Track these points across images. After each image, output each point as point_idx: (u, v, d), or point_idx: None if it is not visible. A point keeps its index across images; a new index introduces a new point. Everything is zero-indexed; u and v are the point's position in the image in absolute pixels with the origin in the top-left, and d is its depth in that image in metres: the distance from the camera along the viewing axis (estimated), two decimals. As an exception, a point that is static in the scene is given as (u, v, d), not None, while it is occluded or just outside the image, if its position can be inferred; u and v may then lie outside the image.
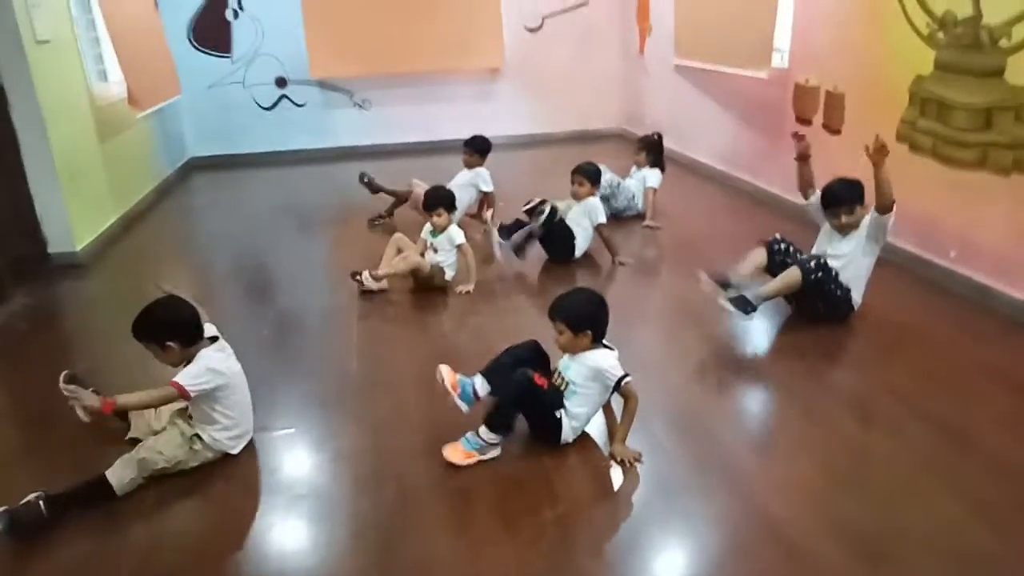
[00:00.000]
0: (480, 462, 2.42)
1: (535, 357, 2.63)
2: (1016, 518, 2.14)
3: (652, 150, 5.31)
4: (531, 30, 8.01)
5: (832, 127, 4.65)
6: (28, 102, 4.34)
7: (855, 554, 2.01)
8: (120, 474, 2.31)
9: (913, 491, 2.27)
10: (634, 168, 5.35)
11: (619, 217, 5.14)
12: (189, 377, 2.38)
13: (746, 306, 3.19)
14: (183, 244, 5.49)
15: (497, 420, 2.43)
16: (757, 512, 2.19)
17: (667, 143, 6.22)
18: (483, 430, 2.43)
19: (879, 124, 4.12)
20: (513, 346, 2.67)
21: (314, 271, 4.66)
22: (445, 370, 2.54)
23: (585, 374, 2.48)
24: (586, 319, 2.48)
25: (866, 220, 3.30)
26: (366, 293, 3.94)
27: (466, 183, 5.04)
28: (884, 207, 3.19)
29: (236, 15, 7.46)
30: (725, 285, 3.34)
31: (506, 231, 4.31)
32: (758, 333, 3.41)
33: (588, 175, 4.43)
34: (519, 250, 4.27)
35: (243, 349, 2.68)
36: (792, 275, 3.28)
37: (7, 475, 2.51)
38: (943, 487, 2.28)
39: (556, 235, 4.30)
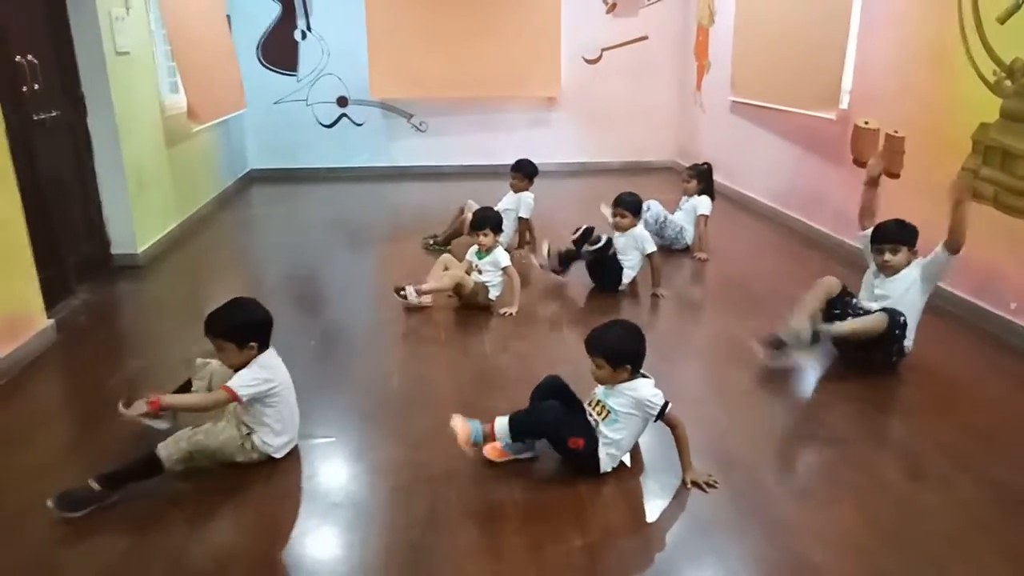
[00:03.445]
0: (517, 479, 2.45)
1: (558, 392, 2.63)
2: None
3: (702, 178, 5.30)
4: (589, 61, 8.10)
5: (891, 171, 4.57)
6: (105, 110, 4.56)
7: (894, 609, 1.95)
8: (171, 449, 2.37)
9: (960, 551, 2.19)
10: (684, 198, 5.33)
11: (667, 250, 5.13)
12: (241, 381, 2.46)
13: (813, 337, 3.16)
14: (239, 253, 5.65)
15: (516, 436, 2.51)
16: (794, 558, 2.14)
17: (720, 178, 6.19)
18: None
19: (939, 170, 4.06)
20: (537, 390, 2.67)
21: (362, 286, 4.75)
22: (458, 426, 2.49)
23: (625, 403, 2.48)
24: (627, 354, 2.48)
25: (916, 265, 3.24)
26: (410, 309, 3.99)
27: (509, 207, 5.08)
28: (955, 247, 3.14)
29: (304, 35, 7.72)
30: (779, 344, 3.32)
31: (556, 259, 4.33)
32: (806, 376, 3.35)
33: (630, 207, 4.40)
34: (562, 263, 4.30)
35: (290, 358, 2.73)
36: (877, 320, 3.17)
37: (57, 466, 2.60)
38: (992, 549, 2.19)
39: (606, 266, 4.30)
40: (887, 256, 3.26)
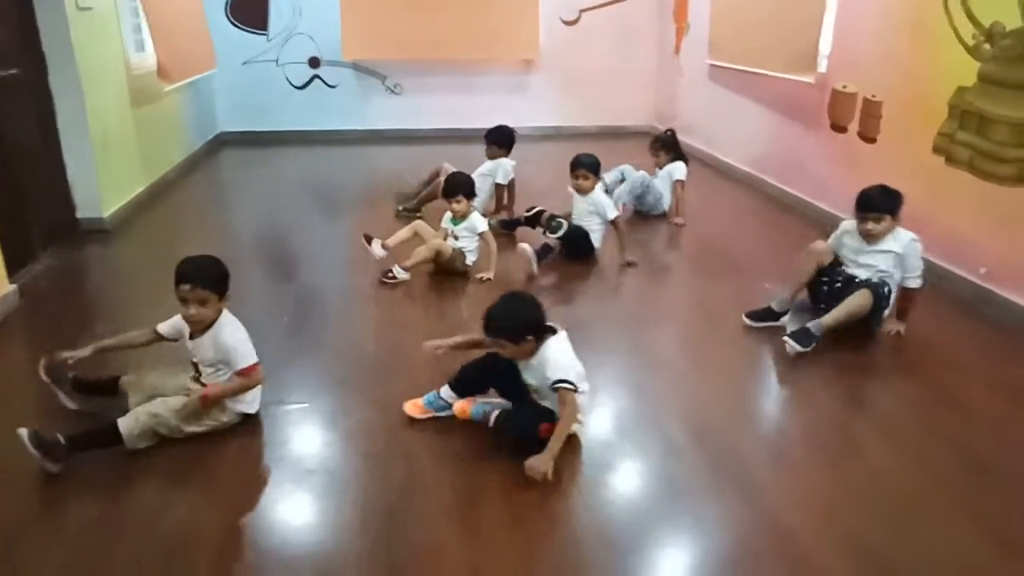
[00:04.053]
0: (494, 445, 2.44)
1: (498, 375, 2.57)
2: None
3: (668, 147, 5.27)
4: (568, 23, 7.97)
5: (867, 136, 4.57)
6: (67, 68, 4.39)
7: (864, 568, 1.97)
8: (131, 424, 2.35)
9: (929, 513, 2.22)
10: (657, 170, 5.29)
11: (645, 216, 5.12)
12: (250, 351, 2.49)
13: (808, 340, 3.13)
14: (209, 218, 5.53)
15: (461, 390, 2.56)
16: (769, 520, 2.16)
17: (698, 143, 6.15)
18: (444, 389, 2.58)
19: (916, 134, 4.06)
20: (468, 371, 2.61)
21: (337, 251, 4.67)
22: (411, 410, 2.61)
23: (540, 373, 2.42)
24: (523, 327, 2.40)
25: (898, 254, 3.24)
26: (387, 281, 3.93)
27: (486, 172, 5.03)
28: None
29: (274, -7, 7.49)
30: (770, 316, 3.37)
31: (537, 255, 4.25)
32: (781, 342, 3.36)
33: (591, 168, 4.27)
34: (539, 258, 4.25)
35: (264, 324, 2.70)
36: (860, 300, 3.17)
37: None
38: (960, 511, 2.22)
39: (574, 239, 4.23)
40: (870, 225, 3.25)
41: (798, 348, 3.11)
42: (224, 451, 2.45)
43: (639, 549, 2.05)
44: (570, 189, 4.38)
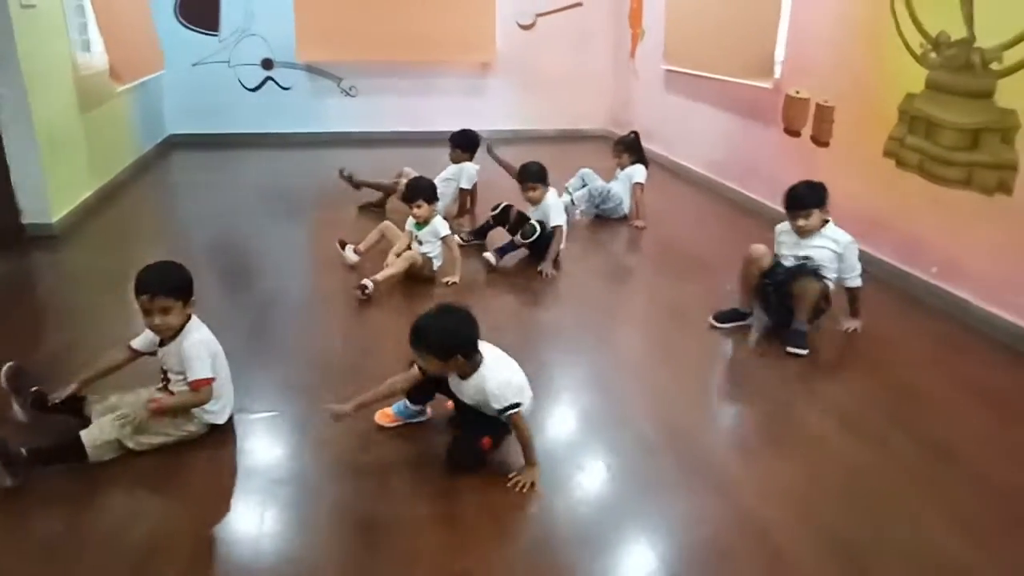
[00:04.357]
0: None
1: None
2: (996, 533, 2.17)
3: (632, 149, 5.31)
4: (524, 27, 8.01)
5: (820, 140, 4.70)
6: (10, 67, 4.22)
7: (836, 560, 2.03)
8: (94, 434, 2.29)
9: (896, 502, 2.30)
10: (618, 171, 5.34)
11: (606, 219, 5.17)
12: (205, 366, 2.40)
13: (804, 339, 3.24)
14: (161, 222, 5.39)
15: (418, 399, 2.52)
16: (742, 514, 2.20)
17: (655, 147, 6.21)
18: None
19: (867, 139, 4.20)
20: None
21: (297, 256, 4.61)
22: (381, 419, 2.58)
23: (481, 401, 2.32)
24: (453, 345, 2.24)
25: (835, 253, 3.31)
26: (362, 290, 3.88)
27: (450, 177, 5.02)
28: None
29: (225, -7, 7.34)
30: (736, 316, 3.47)
31: (499, 252, 4.24)
32: (743, 339, 3.43)
33: (538, 177, 4.29)
34: (502, 254, 4.26)
35: (226, 329, 2.64)
36: (807, 286, 3.24)
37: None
38: (925, 499, 2.31)
39: (541, 240, 4.23)
40: (801, 221, 3.32)
41: (802, 352, 3.20)
42: (192, 462, 2.39)
43: (614, 547, 2.07)
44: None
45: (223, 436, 2.52)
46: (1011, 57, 3.27)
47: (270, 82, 7.71)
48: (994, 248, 3.46)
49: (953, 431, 2.69)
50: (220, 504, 2.22)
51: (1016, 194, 3.30)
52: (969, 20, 3.49)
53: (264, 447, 2.52)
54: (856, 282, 3.39)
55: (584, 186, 5.28)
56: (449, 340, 2.25)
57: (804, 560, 2.03)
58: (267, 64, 7.64)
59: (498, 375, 2.28)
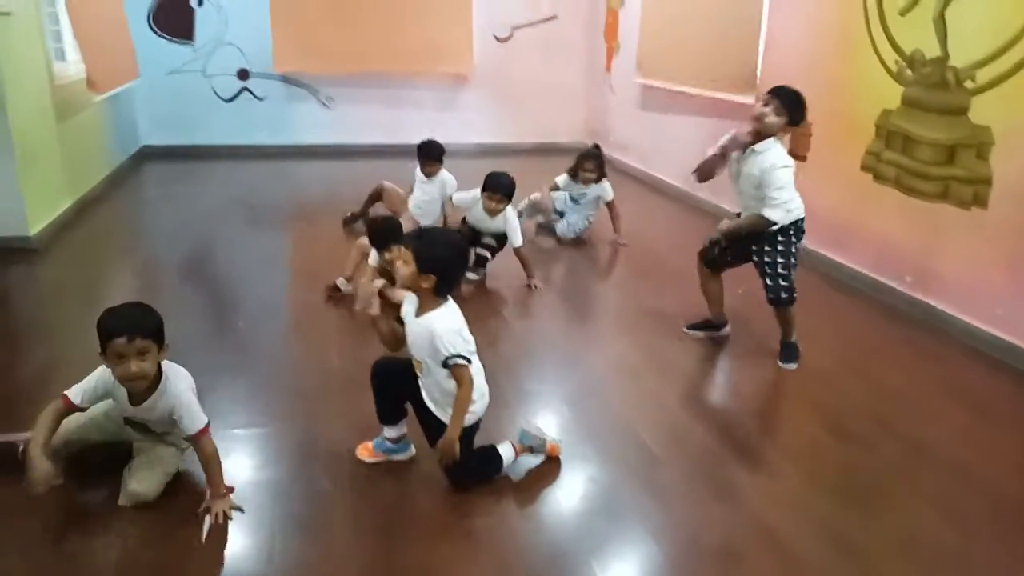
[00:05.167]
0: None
1: (395, 378, 2.41)
2: (984, 522, 2.31)
3: (599, 163, 5.05)
4: (500, 40, 8.07)
5: (798, 153, 4.82)
6: (-13, 76, 4.14)
7: (844, 559, 2.10)
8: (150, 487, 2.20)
9: (890, 498, 2.41)
10: (580, 187, 5.05)
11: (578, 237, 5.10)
12: (201, 411, 2.20)
13: (795, 352, 3.29)
14: (140, 235, 5.32)
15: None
16: (748, 519, 2.26)
17: (630, 160, 6.26)
18: (386, 430, 2.44)
19: (845, 153, 4.33)
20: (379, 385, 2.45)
21: (280, 269, 4.59)
22: (362, 453, 2.48)
23: (426, 343, 2.22)
24: (437, 261, 2.20)
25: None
26: (336, 291, 3.88)
27: (434, 197, 4.75)
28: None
29: (200, 2, 7.28)
30: (712, 326, 3.52)
31: (478, 265, 4.25)
32: (732, 349, 3.51)
33: (507, 192, 4.16)
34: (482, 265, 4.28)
35: (213, 345, 2.60)
36: (755, 220, 3.14)
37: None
38: (916, 495, 2.43)
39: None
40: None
41: (791, 366, 3.26)
42: (176, 480, 2.31)
43: (628, 557, 2.11)
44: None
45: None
46: (985, 75, 3.42)
47: (246, 92, 7.65)
48: (970, 260, 3.60)
49: (936, 432, 2.81)
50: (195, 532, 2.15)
51: (991, 207, 3.43)
52: (943, 39, 3.63)
53: (266, 461, 2.49)
54: None
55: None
56: (439, 254, 2.22)
57: (812, 560, 2.09)
58: (243, 74, 7.58)
59: (448, 322, 2.22)
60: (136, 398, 2.17)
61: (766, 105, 3.09)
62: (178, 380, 2.22)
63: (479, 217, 4.28)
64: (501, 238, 4.29)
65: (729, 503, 2.33)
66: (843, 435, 2.77)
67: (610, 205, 5.06)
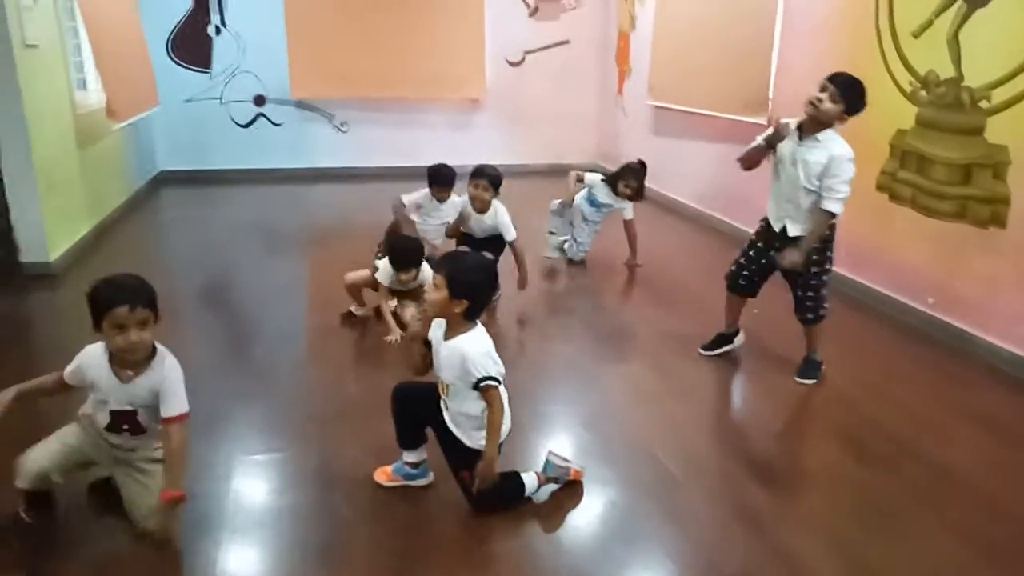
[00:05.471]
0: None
1: (416, 403, 2.41)
2: (1009, 553, 2.25)
3: (641, 183, 4.91)
4: (513, 64, 8.15)
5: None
6: (13, 106, 4.22)
7: (868, 587, 2.07)
8: (169, 527, 2.13)
9: (913, 524, 2.36)
10: (610, 197, 4.95)
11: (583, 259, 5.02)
12: (185, 399, 2.13)
13: (815, 368, 3.29)
14: (158, 259, 5.36)
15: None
16: (773, 547, 2.22)
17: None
18: (405, 454, 2.42)
19: (860, 173, 4.29)
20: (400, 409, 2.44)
21: (297, 293, 4.61)
22: (380, 477, 2.47)
23: (456, 365, 2.22)
24: (471, 286, 2.20)
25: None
26: (352, 316, 3.91)
27: (444, 221, 4.49)
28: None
29: (218, 31, 7.41)
30: (724, 339, 3.51)
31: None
32: (750, 370, 3.49)
33: (492, 182, 4.07)
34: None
35: (230, 369, 2.61)
36: (820, 226, 3.03)
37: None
38: (939, 522, 2.38)
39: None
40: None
41: (809, 382, 3.25)
42: (194, 504, 2.30)
43: (652, 582, 2.09)
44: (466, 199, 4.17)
45: (218, 479, 2.48)
46: (1000, 95, 3.41)
47: (262, 118, 7.75)
48: (990, 279, 3.57)
49: (960, 456, 2.76)
50: (218, 551, 2.17)
51: (1010, 227, 3.41)
52: (957, 60, 3.64)
53: (285, 485, 2.49)
54: None
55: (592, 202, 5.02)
56: (473, 278, 2.22)
57: (835, 587, 2.06)
58: (259, 100, 7.68)
59: (479, 345, 2.23)
60: (125, 375, 2.10)
61: (823, 91, 2.97)
62: (171, 358, 2.15)
63: (470, 216, 4.18)
64: (496, 244, 4.14)
65: (749, 527, 2.31)
66: (865, 458, 2.74)
67: (628, 224, 5.00)
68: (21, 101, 4.23)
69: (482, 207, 4.13)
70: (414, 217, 4.34)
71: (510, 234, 4.13)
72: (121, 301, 2.01)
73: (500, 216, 4.15)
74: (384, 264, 3.70)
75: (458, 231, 4.40)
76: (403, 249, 3.69)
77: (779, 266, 3.17)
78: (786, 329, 3.53)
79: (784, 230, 3.16)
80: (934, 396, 3.25)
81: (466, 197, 4.40)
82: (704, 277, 4.91)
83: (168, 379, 2.11)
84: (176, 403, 2.11)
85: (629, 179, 4.79)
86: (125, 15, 6.04)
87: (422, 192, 4.30)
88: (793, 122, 3.10)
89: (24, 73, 4.27)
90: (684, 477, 2.57)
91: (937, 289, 3.87)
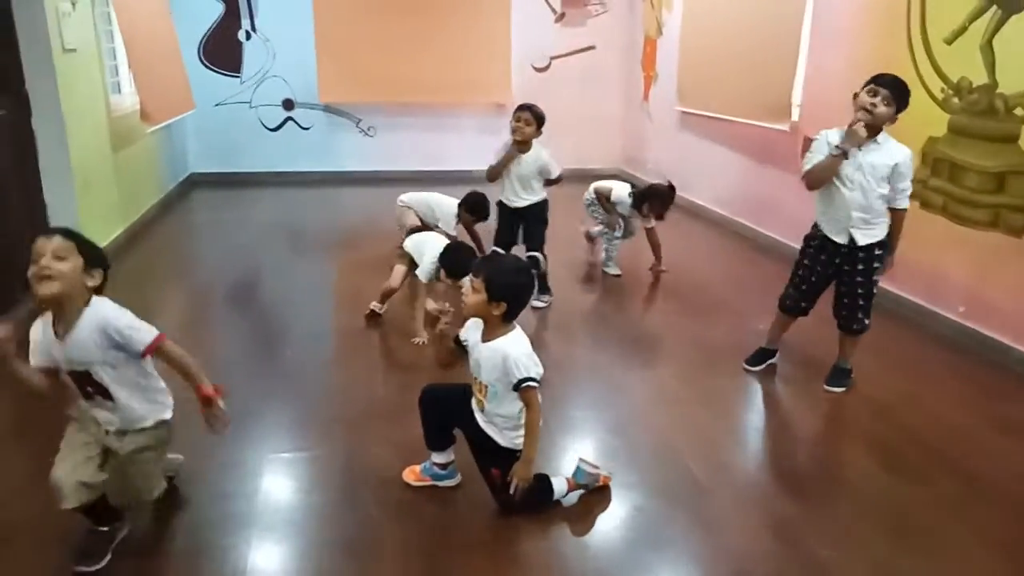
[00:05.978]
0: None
1: (444, 404, 2.44)
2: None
3: (666, 208, 4.86)
4: (539, 70, 8.17)
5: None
6: (51, 110, 4.32)
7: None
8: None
9: (946, 537, 2.33)
10: (632, 215, 4.94)
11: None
12: (143, 323, 2.02)
13: (845, 376, 3.29)
14: (189, 259, 5.46)
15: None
16: (802, 555, 2.21)
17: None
18: (434, 455, 2.46)
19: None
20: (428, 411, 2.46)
21: (325, 294, 4.66)
22: (408, 476, 2.51)
23: (497, 367, 2.24)
24: (510, 289, 2.23)
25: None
26: (375, 316, 3.95)
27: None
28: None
29: (248, 36, 7.52)
30: (768, 353, 3.47)
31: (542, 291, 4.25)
32: (778, 377, 3.47)
33: (536, 113, 3.92)
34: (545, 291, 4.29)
35: (260, 370, 2.64)
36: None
37: (19, 494, 2.43)
38: (973, 535, 2.34)
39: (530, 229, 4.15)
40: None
41: (839, 390, 3.24)
42: (216, 503, 2.36)
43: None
44: (508, 143, 4.01)
45: (242, 478, 2.53)
46: (1035, 103, 3.37)
47: (290, 122, 7.85)
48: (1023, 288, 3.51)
49: (994, 467, 2.72)
50: (246, 548, 2.21)
51: (1044, 235, 3.36)
52: (991, 67, 3.60)
53: (313, 485, 2.53)
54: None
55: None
56: (512, 281, 2.25)
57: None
58: (288, 104, 7.78)
59: (521, 346, 2.26)
60: (60, 331, 1.94)
61: (874, 95, 2.99)
62: (106, 303, 1.98)
63: (514, 158, 3.99)
64: (534, 218, 4.09)
65: (778, 536, 2.29)
66: (897, 468, 2.71)
67: (650, 232, 5.02)
68: (60, 103, 4.34)
69: (523, 140, 3.96)
70: (423, 212, 4.63)
71: (554, 172, 4.05)
72: (41, 236, 1.90)
73: (542, 153, 4.03)
74: (426, 263, 3.67)
75: (498, 174, 4.15)
76: (458, 260, 3.57)
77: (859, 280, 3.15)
78: (814, 336, 3.51)
79: (851, 242, 3.11)
80: (967, 406, 3.20)
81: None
82: (730, 282, 4.90)
83: (111, 324, 1.94)
84: (140, 335, 1.98)
85: (656, 204, 4.72)
86: (159, 21, 6.16)
87: (451, 210, 4.53)
88: (836, 131, 3.09)
89: (63, 76, 4.37)
90: (711, 483, 2.57)
91: (969, 298, 3.82)
